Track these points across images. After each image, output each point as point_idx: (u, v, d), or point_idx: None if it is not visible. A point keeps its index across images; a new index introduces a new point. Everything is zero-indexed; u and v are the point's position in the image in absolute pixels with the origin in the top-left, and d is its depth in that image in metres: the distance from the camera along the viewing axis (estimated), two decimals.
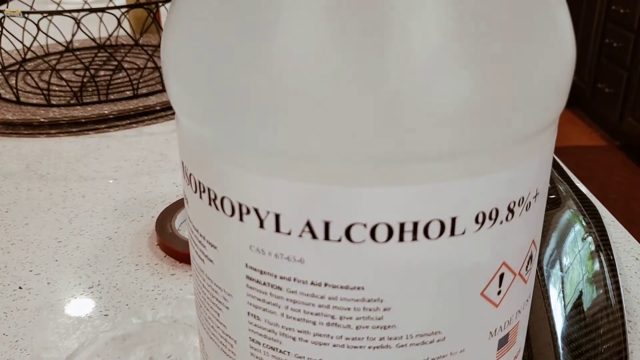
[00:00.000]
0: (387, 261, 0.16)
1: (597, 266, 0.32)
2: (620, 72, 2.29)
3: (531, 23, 0.15)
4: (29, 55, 0.74)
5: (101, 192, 0.47)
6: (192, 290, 0.36)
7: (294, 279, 0.16)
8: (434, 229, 0.15)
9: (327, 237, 0.15)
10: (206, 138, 0.16)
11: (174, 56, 0.16)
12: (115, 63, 0.72)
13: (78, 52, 0.77)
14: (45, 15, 0.56)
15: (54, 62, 0.74)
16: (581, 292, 0.30)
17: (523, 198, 0.16)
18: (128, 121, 0.60)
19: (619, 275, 0.32)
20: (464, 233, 0.16)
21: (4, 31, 0.62)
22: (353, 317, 0.16)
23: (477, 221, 0.16)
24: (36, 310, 0.34)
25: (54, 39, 0.60)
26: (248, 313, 0.18)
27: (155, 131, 0.59)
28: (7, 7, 1.08)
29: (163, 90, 0.65)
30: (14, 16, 0.56)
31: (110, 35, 0.62)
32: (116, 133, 0.59)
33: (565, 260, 0.32)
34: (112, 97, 0.63)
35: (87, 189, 0.48)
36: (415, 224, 0.15)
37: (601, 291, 0.31)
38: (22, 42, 0.65)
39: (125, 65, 0.72)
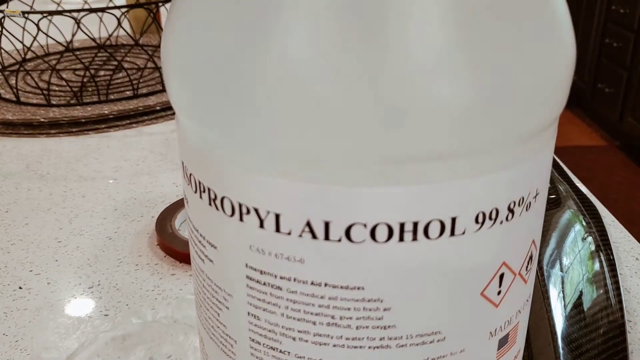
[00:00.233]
0: (387, 261, 0.16)
1: (597, 266, 0.32)
2: (620, 72, 2.29)
3: (531, 23, 0.15)
4: (29, 55, 0.74)
5: (101, 192, 0.47)
6: (192, 290, 0.36)
7: (294, 279, 0.16)
8: (434, 229, 0.15)
9: (327, 237, 0.15)
10: (206, 138, 0.16)
11: (174, 56, 0.16)
12: (115, 63, 0.73)
13: (78, 52, 0.77)
14: (45, 15, 0.56)
15: (54, 62, 0.74)
16: (581, 292, 0.30)
17: (523, 198, 0.16)
18: (128, 121, 0.60)
19: (619, 275, 0.32)
20: (464, 233, 0.16)
21: (4, 31, 0.62)
22: (353, 317, 0.16)
23: (477, 221, 0.16)
24: (36, 310, 0.34)
25: (54, 39, 0.60)
26: (248, 313, 0.18)
27: (155, 131, 0.59)
28: (7, 7, 1.08)
29: (163, 90, 0.65)
30: (14, 16, 0.56)
31: (110, 35, 0.62)
32: (116, 133, 0.59)
33: (565, 260, 0.32)
34: (112, 97, 0.63)
35: (87, 189, 0.48)
36: (416, 224, 0.15)
37: (601, 291, 0.31)
38: (22, 42, 0.65)
39: (125, 65, 0.72)
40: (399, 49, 0.14)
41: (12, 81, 0.68)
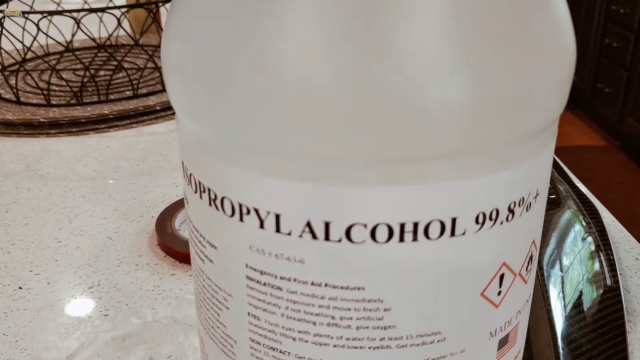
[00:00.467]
0: (387, 261, 0.16)
1: (597, 266, 0.32)
2: (620, 72, 2.29)
3: (531, 22, 0.15)
4: (29, 55, 0.74)
5: (101, 192, 0.47)
6: (192, 290, 0.36)
7: (294, 279, 0.16)
8: (434, 230, 0.15)
9: (327, 238, 0.15)
10: (206, 138, 0.16)
11: (173, 55, 0.16)
12: (115, 63, 0.72)
13: (78, 52, 0.77)
14: (45, 15, 0.56)
15: (54, 62, 0.74)
16: (581, 292, 0.30)
17: (523, 198, 0.16)
18: (128, 121, 0.60)
19: (619, 275, 0.32)
20: (464, 233, 0.16)
21: (4, 31, 0.62)
22: (353, 318, 0.16)
23: (477, 221, 0.16)
24: (36, 310, 0.34)
25: (54, 39, 0.60)
26: (248, 313, 0.18)
27: (155, 131, 0.59)
28: (7, 7, 1.08)
29: (163, 90, 0.65)
30: (14, 16, 0.56)
31: (110, 35, 0.62)
32: (116, 133, 0.59)
33: (565, 260, 0.32)
34: (112, 97, 0.63)
35: (87, 189, 0.48)
36: (416, 225, 0.15)
37: (601, 291, 0.31)
38: (22, 42, 0.65)
39: (125, 65, 0.72)
40: (398, 49, 0.14)
41: (12, 81, 0.68)
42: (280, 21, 0.14)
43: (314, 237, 0.15)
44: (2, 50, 0.73)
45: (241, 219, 0.16)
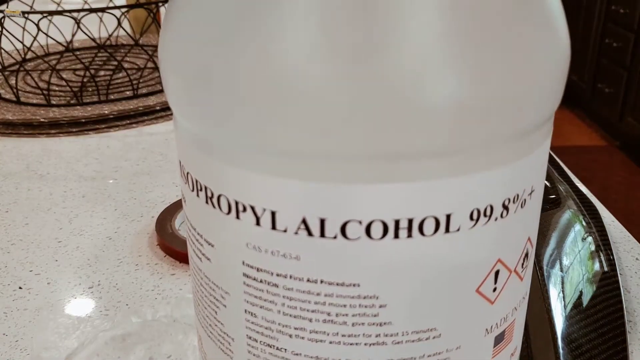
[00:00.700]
0: (382, 258, 0.16)
1: (597, 266, 0.32)
2: (620, 72, 2.29)
3: (525, 18, 0.15)
4: (29, 55, 0.74)
5: (101, 192, 0.48)
6: (191, 290, 0.36)
7: (290, 276, 0.16)
8: (429, 226, 0.15)
9: (322, 234, 0.15)
10: (203, 137, 0.16)
11: (170, 55, 0.16)
12: (115, 63, 0.73)
13: (78, 52, 0.77)
14: (45, 15, 0.56)
15: (54, 62, 0.74)
16: (581, 292, 0.30)
17: (518, 195, 0.16)
18: (128, 121, 0.60)
19: (619, 275, 0.32)
20: (458, 230, 0.16)
21: (4, 31, 0.62)
22: (349, 314, 0.16)
23: (471, 218, 0.16)
24: (36, 310, 0.34)
25: (54, 39, 0.60)
26: (245, 311, 0.18)
27: (155, 131, 0.59)
28: (7, 7, 1.08)
29: (163, 90, 0.65)
30: (14, 16, 0.57)
31: (110, 35, 0.62)
32: (116, 133, 0.59)
33: (565, 260, 0.32)
34: (112, 97, 0.63)
35: (87, 189, 0.48)
36: (410, 221, 0.15)
37: (601, 291, 0.31)
38: (22, 42, 0.65)
39: (125, 65, 0.72)
40: (393, 46, 0.14)
41: (12, 81, 0.68)
42: (276, 20, 0.14)
43: (310, 234, 0.16)
44: (2, 50, 0.74)
45: (237, 217, 0.16)
